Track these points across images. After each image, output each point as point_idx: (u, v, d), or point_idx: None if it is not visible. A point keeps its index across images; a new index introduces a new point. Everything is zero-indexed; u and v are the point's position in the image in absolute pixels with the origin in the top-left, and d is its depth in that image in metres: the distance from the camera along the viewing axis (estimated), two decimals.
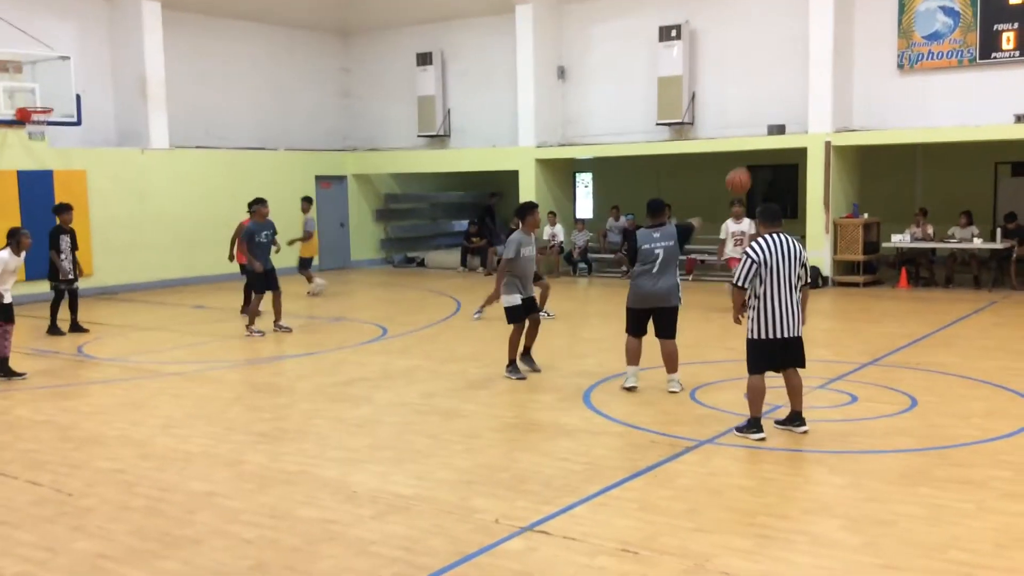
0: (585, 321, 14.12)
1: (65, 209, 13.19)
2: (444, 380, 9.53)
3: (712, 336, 11.85)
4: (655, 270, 8.65)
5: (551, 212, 19.70)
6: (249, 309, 12.79)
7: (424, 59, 21.33)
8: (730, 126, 17.91)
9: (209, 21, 20.05)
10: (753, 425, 7.10)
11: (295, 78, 21.90)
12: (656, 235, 8.70)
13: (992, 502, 5.64)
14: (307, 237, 16.50)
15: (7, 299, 10.03)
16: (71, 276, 12.94)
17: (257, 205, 12.79)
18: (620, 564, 4.84)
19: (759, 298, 6.96)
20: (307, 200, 16.93)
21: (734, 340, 11.29)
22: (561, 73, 20.15)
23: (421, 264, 22.37)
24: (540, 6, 19.60)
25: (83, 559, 5.07)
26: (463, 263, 21.20)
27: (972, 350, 10.55)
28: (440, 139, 21.65)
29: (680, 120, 18.26)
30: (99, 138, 18.21)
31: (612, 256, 19.32)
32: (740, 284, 7.00)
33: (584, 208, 22.75)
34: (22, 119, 15.34)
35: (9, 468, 6.75)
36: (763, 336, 6.97)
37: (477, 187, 24.08)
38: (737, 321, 7.34)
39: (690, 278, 18.06)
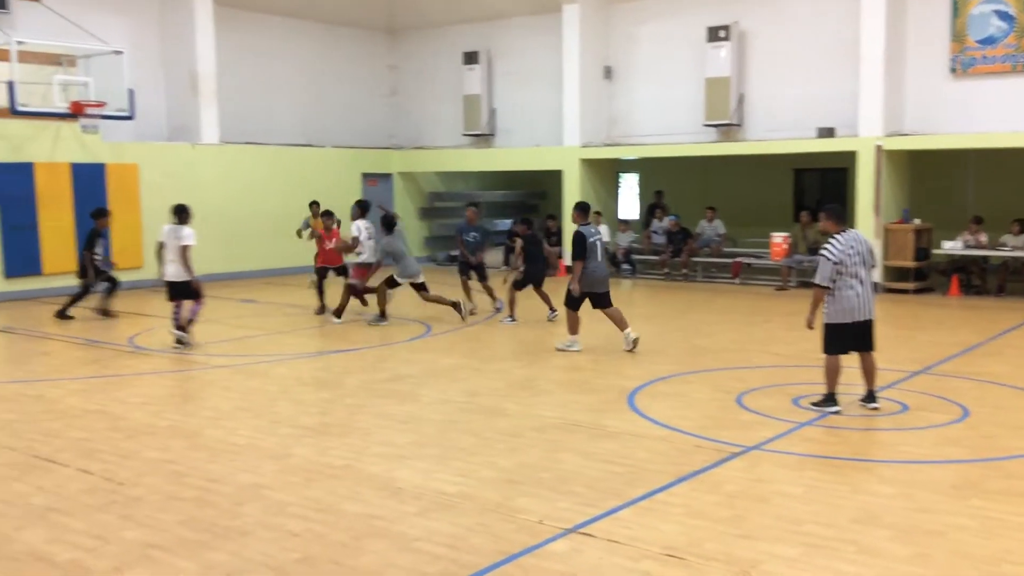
0: (628, 323, 14.01)
1: (104, 214, 13.83)
2: (487, 379, 9.55)
3: (757, 340, 11.74)
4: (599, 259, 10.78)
5: (596, 212, 19.61)
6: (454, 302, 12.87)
7: (471, 58, 21.39)
8: (779, 128, 17.72)
9: (259, 18, 20.28)
10: (829, 399, 7.87)
11: (342, 76, 22.07)
12: (594, 230, 10.85)
13: None
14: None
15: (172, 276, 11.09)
16: (108, 271, 13.75)
17: (471, 207, 14.17)
18: (665, 569, 4.81)
19: (836, 288, 7.69)
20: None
21: (779, 345, 11.23)
22: (607, 73, 20.09)
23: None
24: (587, 6, 19.55)
25: (133, 548, 5.14)
26: (506, 262, 21.20)
27: None
28: (485, 138, 21.69)
29: (728, 121, 18.12)
30: (151, 132, 18.50)
31: (656, 257, 19.22)
32: (823, 284, 7.69)
33: (629, 208, 22.64)
34: (76, 112, 15.60)
35: (61, 456, 6.88)
36: (840, 321, 7.73)
37: (521, 186, 24.08)
38: (810, 326, 7.96)
39: (737, 281, 17.91)
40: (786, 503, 5.77)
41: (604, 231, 19.33)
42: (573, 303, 10.91)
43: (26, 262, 16.06)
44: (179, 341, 11.24)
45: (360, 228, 13.36)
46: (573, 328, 10.94)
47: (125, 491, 6.09)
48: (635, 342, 10.79)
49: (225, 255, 18.67)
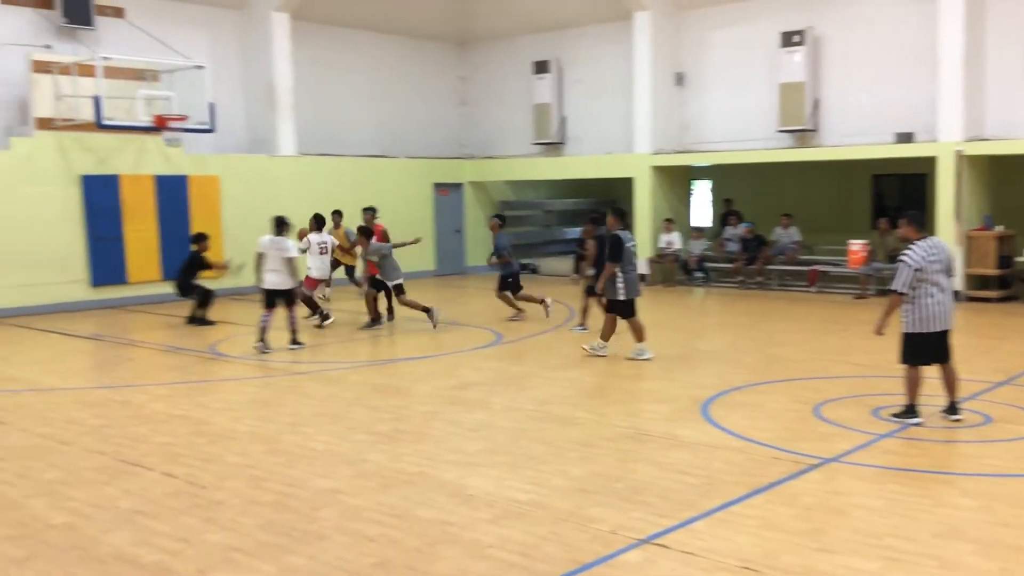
0: (702, 332, 13.94)
1: (204, 238, 14.57)
2: (558, 387, 9.56)
3: (834, 350, 11.54)
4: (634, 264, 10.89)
5: (667, 219, 19.54)
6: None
7: (541, 67, 21.47)
8: (855, 134, 17.39)
9: (333, 31, 20.67)
10: (910, 411, 7.71)
11: (414, 87, 22.35)
12: (630, 235, 10.88)
13: None
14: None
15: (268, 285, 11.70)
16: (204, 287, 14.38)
17: (494, 219, 14.48)
18: None
19: (916, 297, 7.55)
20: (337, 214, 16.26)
21: (858, 355, 11.01)
22: (679, 79, 19.96)
23: (534, 271, 22.47)
24: (658, 13, 19.47)
25: (215, 551, 5.28)
26: (576, 270, 21.15)
27: None
28: (555, 146, 21.73)
29: (803, 127, 17.85)
30: (231, 145, 18.97)
31: (730, 265, 19.01)
32: (902, 291, 7.53)
33: (701, 216, 22.44)
34: (159, 126, 16.07)
35: (146, 460, 7.10)
36: (919, 330, 7.58)
37: (591, 194, 24.06)
38: (879, 332, 7.81)
39: (813, 289, 17.61)
40: (865, 516, 5.66)
41: (676, 238, 19.28)
42: (625, 310, 10.86)
43: (112, 272, 16.60)
44: (295, 341, 11.84)
45: (310, 241, 13.95)
46: (639, 335, 10.91)
47: (207, 495, 6.26)
48: (647, 359, 10.79)
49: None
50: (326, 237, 14.19)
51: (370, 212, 14.26)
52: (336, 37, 20.75)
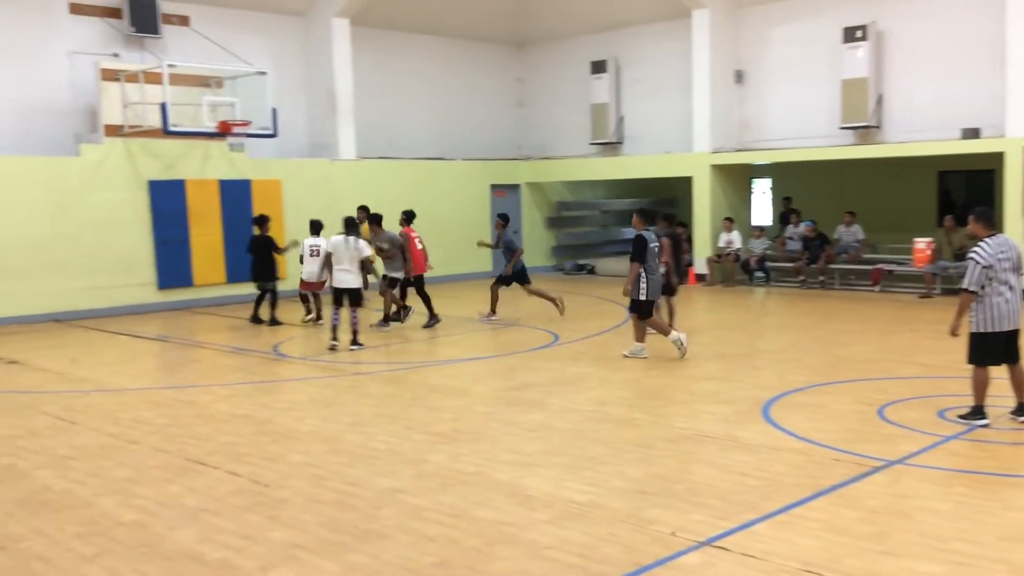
0: (762, 332, 13.77)
1: (268, 219, 14.78)
2: (616, 388, 9.53)
3: (899, 350, 11.31)
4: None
5: (727, 218, 19.35)
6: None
7: (598, 67, 21.42)
8: (920, 129, 17.02)
9: (392, 36, 20.87)
10: (977, 412, 7.56)
11: (471, 89, 22.46)
12: (653, 236, 10.93)
13: None
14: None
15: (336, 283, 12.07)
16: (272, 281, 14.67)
17: (498, 218, 14.74)
18: None
19: (984, 295, 7.40)
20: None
21: (923, 355, 10.78)
22: (738, 77, 19.76)
23: (591, 271, 22.42)
24: (717, 10, 19.29)
25: (278, 548, 5.37)
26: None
27: None
28: (613, 146, 21.66)
29: (866, 123, 17.54)
30: (292, 149, 19.28)
31: (791, 264, 18.74)
32: (972, 289, 7.39)
33: (762, 214, 22.17)
34: (223, 132, 16.38)
35: (211, 459, 7.25)
36: (987, 329, 7.43)
37: (649, 194, 23.92)
38: (954, 333, 7.71)
39: (877, 288, 17.29)
40: (931, 519, 5.55)
41: (736, 238, 19.08)
42: (645, 310, 10.96)
43: (178, 274, 16.98)
44: (356, 342, 12.05)
45: (306, 246, 14.24)
46: (641, 336, 11.06)
47: (270, 493, 6.37)
48: (634, 355, 10.95)
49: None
50: (319, 240, 14.17)
51: (363, 211, 14.57)
52: (395, 41, 20.95)
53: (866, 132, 17.81)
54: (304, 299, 14.62)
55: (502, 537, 5.44)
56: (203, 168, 17.35)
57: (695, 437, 7.54)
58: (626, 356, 11.03)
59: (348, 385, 10.11)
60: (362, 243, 12.23)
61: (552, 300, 14.36)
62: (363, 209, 14.67)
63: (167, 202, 16.78)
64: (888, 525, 5.46)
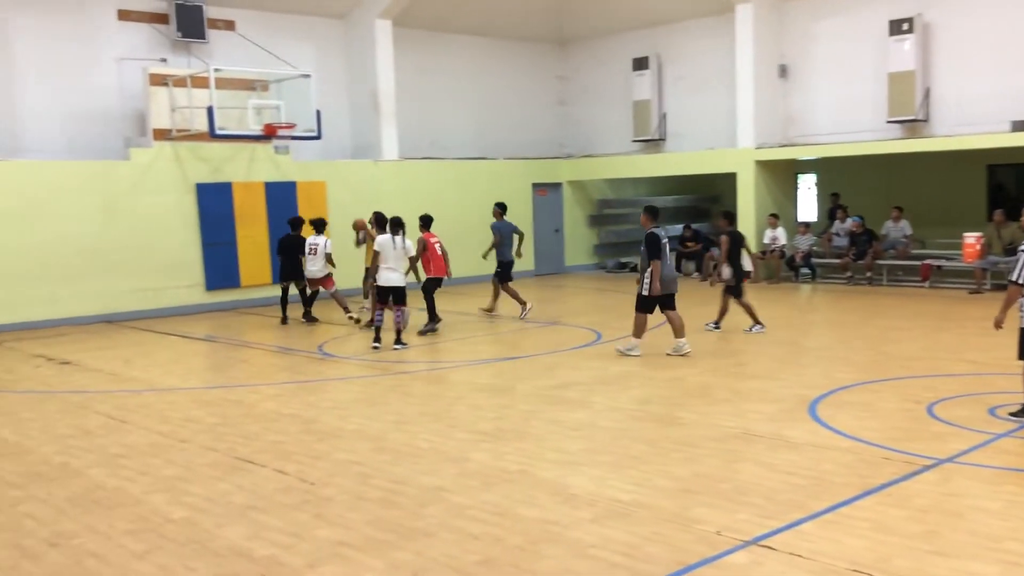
0: (808, 329, 13.62)
1: (303, 222, 15.14)
2: (659, 386, 9.49)
3: (949, 347, 11.12)
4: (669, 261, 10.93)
5: (772, 215, 19.15)
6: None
7: (640, 64, 21.32)
8: (969, 123, 16.70)
9: (433, 36, 20.95)
10: None
11: (513, 88, 22.47)
12: (663, 232, 10.87)
13: None
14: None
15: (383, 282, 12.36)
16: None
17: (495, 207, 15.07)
18: None
19: None
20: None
21: (973, 352, 10.59)
22: (782, 72, 19.54)
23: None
24: (761, 5, 19.10)
25: (325, 546, 5.43)
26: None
27: None
28: (655, 143, 21.54)
29: (913, 117, 17.25)
30: (336, 151, 19.46)
31: (838, 261, 18.50)
32: (1021, 282, 7.32)
33: (808, 210, 21.91)
34: (269, 134, 16.55)
35: (259, 457, 7.34)
36: None
37: (692, 191, 23.77)
38: (999, 326, 7.60)
39: (926, 284, 17.01)
40: (982, 519, 5.45)
41: (781, 234, 18.88)
42: (646, 306, 10.99)
43: (225, 276, 17.22)
44: (399, 341, 12.24)
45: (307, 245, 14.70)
46: (639, 332, 11.08)
47: (317, 491, 6.43)
48: (685, 354, 10.81)
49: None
50: (319, 239, 14.68)
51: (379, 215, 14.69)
52: (436, 42, 21.03)
53: (913, 126, 17.53)
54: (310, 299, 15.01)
55: (546, 536, 5.44)
56: (249, 171, 17.57)
57: (741, 436, 7.48)
58: (669, 354, 10.98)
59: (392, 384, 10.19)
60: (409, 243, 12.50)
61: (522, 303, 14.58)
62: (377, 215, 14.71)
63: (214, 204, 17.02)
64: (938, 524, 5.38)
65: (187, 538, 5.61)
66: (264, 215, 17.53)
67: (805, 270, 19.03)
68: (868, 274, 17.91)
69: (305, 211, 17.71)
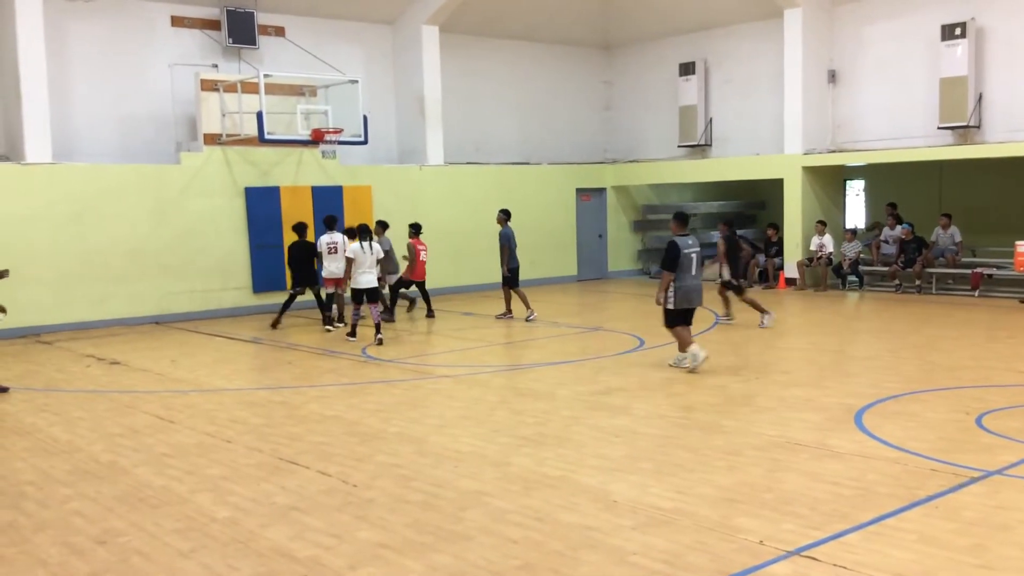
0: (855, 338, 13.43)
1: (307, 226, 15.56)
2: (703, 394, 9.42)
3: (999, 357, 10.90)
4: (693, 272, 10.36)
5: (819, 221, 18.93)
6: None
7: (687, 69, 21.21)
8: (1022, 129, 16.38)
9: (479, 42, 21.04)
10: None
11: (558, 93, 22.48)
12: (691, 242, 10.41)
13: None
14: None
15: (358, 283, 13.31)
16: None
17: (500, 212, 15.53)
18: None
19: None
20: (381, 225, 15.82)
21: (1023, 362, 10.38)
22: (831, 77, 19.32)
23: None
24: (810, 9, 18.90)
25: (365, 547, 5.47)
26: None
27: None
28: (701, 148, 21.41)
29: (965, 123, 16.96)
30: (383, 156, 19.61)
31: (886, 268, 18.22)
32: None
33: (856, 217, 21.62)
34: (316, 139, 16.74)
35: (302, 459, 7.42)
36: None
37: (738, 197, 23.57)
38: None
39: (976, 293, 16.69)
40: None
41: (828, 241, 18.65)
42: (673, 320, 10.54)
43: (272, 279, 17.42)
44: (379, 331, 13.00)
45: (323, 244, 15.03)
46: (684, 344, 10.51)
47: (359, 493, 6.48)
48: (690, 367, 10.41)
49: (449, 270, 19.45)
50: (335, 237, 14.92)
51: (380, 224, 15.49)
52: (482, 47, 21.12)
53: (965, 132, 17.23)
54: (328, 302, 15.15)
55: (587, 542, 5.43)
56: (297, 175, 17.77)
57: (785, 445, 7.41)
58: (671, 365, 10.81)
59: (434, 388, 10.23)
60: (376, 246, 13.48)
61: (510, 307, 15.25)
62: (380, 223, 15.57)
63: (262, 208, 17.24)
64: (986, 538, 5.28)
65: (231, 537, 5.68)
66: (311, 218, 17.69)
67: (852, 278, 18.77)
68: (917, 282, 17.62)
69: (351, 215, 17.90)
